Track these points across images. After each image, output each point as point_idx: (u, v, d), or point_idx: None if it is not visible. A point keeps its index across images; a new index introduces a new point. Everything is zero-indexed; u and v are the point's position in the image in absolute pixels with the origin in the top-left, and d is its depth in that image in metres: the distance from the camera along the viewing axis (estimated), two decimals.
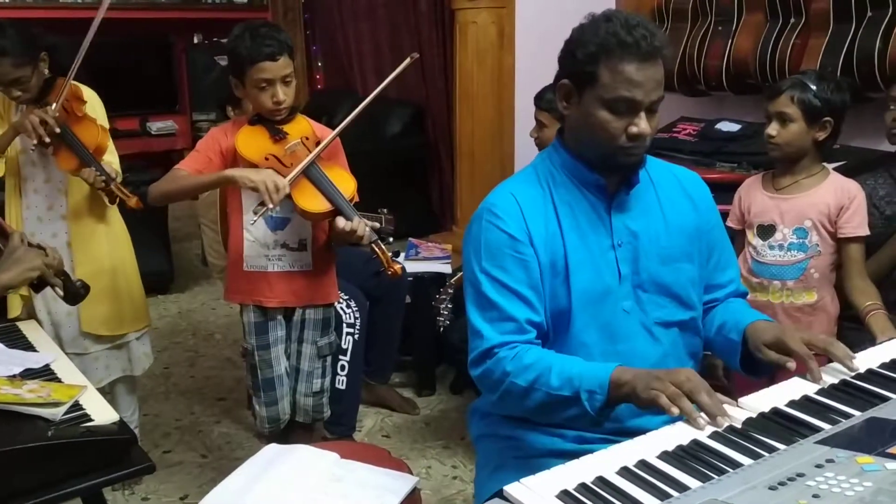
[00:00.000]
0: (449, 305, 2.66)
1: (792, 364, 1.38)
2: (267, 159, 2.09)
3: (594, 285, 1.47)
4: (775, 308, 2.20)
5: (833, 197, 2.13)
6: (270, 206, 1.99)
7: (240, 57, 2.05)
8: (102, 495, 1.87)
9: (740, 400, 1.30)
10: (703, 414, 1.22)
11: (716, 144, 3.23)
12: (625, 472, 1.10)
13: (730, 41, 3.39)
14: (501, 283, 1.44)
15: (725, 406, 1.25)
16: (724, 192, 2.70)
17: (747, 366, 1.51)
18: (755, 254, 2.24)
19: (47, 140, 2.22)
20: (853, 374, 1.37)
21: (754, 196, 2.27)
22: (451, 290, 2.73)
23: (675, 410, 1.22)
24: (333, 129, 2.22)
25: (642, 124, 1.39)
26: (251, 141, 2.12)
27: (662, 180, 1.57)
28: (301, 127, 2.18)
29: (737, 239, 2.35)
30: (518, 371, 1.38)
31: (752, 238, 2.25)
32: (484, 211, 1.50)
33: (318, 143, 2.14)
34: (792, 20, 3.17)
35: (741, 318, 1.53)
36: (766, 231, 2.22)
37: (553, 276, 1.46)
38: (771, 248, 2.21)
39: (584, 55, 1.38)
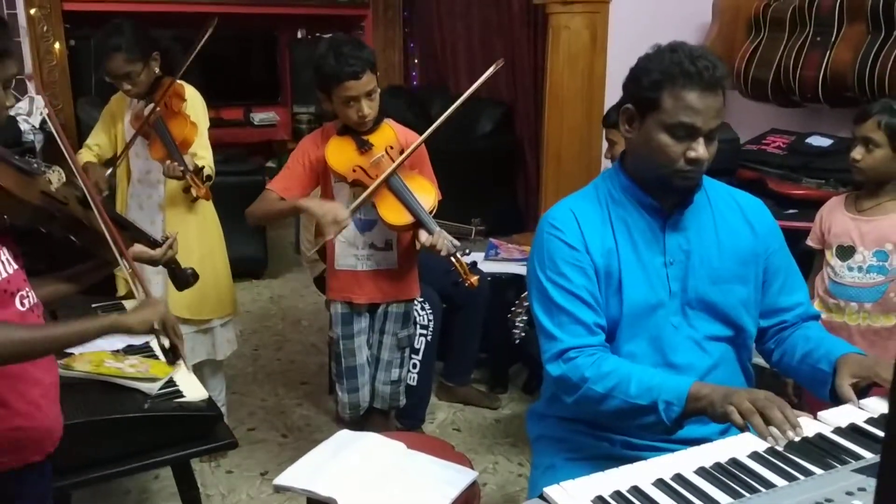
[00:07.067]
0: (524, 318, 2.69)
1: (855, 403, 1.40)
2: (354, 171, 2.21)
3: (646, 299, 1.53)
4: (851, 330, 2.18)
5: None
6: (328, 237, 2.17)
7: (325, 75, 2.17)
8: (190, 465, 2.05)
9: (819, 414, 1.35)
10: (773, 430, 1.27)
11: (805, 159, 3.17)
12: (660, 483, 1.16)
13: (828, 52, 3.31)
14: (566, 289, 1.52)
15: (804, 420, 1.30)
16: (809, 208, 2.67)
17: (835, 395, 1.49)
18: (833, 274, 2.22)
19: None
20: None
21: (835, 216, 2.25)
22: (526, 304, 2.73)
23: (744, 424, 1.28)
24: (422, 129, 2.28)
25: (700, 149, 1.45)
26: (339, 153, 2.24)
27: (721, 204, 1.62)
28: (386, 136, 2.28)
29: (816, 258, 2.33)
30: (597, 378, 1.45)
31: (831, 258, 2.23)
32: (545, 224, 1.59)
33: (401, 152, 2.23)
34: (895, 33, 3.08)
35: (831, 349, 1.53)
36: (846, 252, 2.20)
37: (607, 286, 1.54)
38: (850, 269, 2.19)
39: (648, 82, 1.46)
